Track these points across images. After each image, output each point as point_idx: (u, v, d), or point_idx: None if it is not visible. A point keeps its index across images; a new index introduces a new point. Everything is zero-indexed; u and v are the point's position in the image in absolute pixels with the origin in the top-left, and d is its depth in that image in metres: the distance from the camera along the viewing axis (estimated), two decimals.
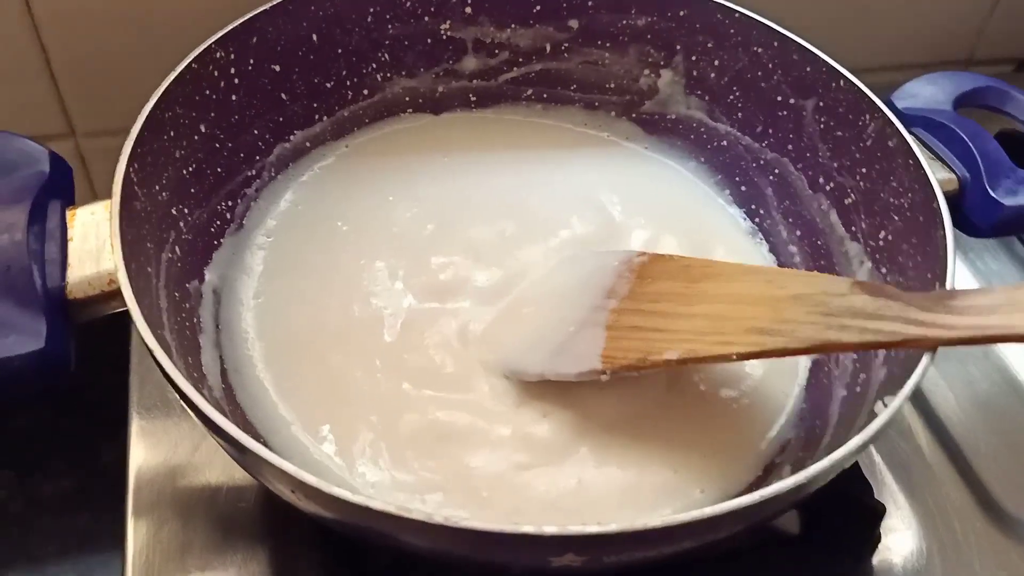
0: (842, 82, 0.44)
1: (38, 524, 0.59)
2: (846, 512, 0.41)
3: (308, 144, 0.49)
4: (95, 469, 0.60)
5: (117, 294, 0.34)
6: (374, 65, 0.50)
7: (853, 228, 0.44)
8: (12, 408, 0.58)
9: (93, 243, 0.36)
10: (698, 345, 0.34)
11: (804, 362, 0.43)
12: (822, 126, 0.46)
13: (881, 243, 0.42)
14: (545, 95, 0.53)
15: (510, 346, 0.41)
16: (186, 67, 0.41)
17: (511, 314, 0.42)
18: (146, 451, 0.44)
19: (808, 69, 0.46)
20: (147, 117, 0.38)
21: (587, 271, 0.41)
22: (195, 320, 0.40)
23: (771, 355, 0.33)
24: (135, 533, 0.41)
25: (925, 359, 0.32)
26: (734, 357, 0.34)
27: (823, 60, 0.45)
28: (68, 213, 0.37)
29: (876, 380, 0.37)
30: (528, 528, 0.26)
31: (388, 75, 0.50)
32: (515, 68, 0.52)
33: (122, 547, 0.41)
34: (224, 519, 0.42)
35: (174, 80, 0.40)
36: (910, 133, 0.42)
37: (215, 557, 0.40)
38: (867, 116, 0.43)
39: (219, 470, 0.43)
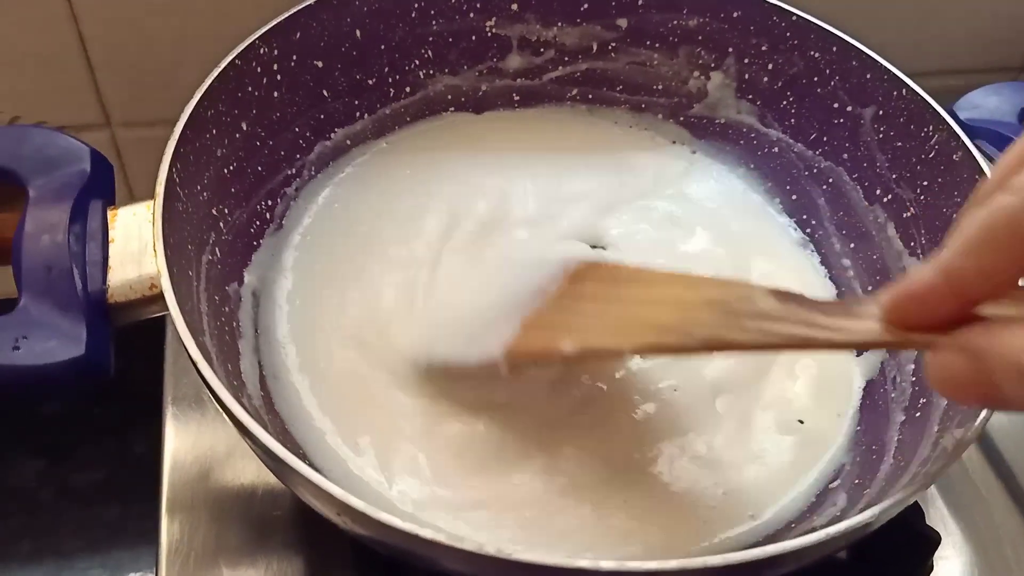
0: (904, 91, 0.43)
1: (67, 515, 0.59)
2: (897, 539, 0.39)
3: (348, 142, 0.48)
4: (126, 460, 0.60)
5: (158, 298, 0.33)
6: (417, 62, 0.48)
7: (912, 243, 0.42)
8: (41, 401, 0.58)
9: (135, 245, 0.35)
10: (594, 338, 0.34)
11: (858, 382, 0.41)
12: (881, 135, 0.44)
13: None
14: (590, 95, 0.51)
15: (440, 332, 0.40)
16: (229, 63, 0.40)
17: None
18: (181, 449, 0.44)
19: (868, 76, 0.44)
20: (190, 115, 0.37)
21: (532, 268, 0.40)
22: (234, 324, 0.39)
23: (664, 351, 0.33)
24: (168, 534, 0.41)
25: None
26: (625, 350, 0.34)
27: (884, 67, 0.43)
28: (109, 213, 0.36)
29: (938, 406, 0.36)
30: (584, 563, 0.25)
31: (431, 72, 0.49)
32: (560, 67, 0.50)
33: (156, 546, 0.41)
34: (258, 524, 0.41)
35: (217, 76, 0.39)
36: (974, 145, 0.40)
37: (249, 563, 0.40)
38: (930, 127, 0.42)
39: (254, 473, 0.42)
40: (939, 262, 0.24)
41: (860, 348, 0.30)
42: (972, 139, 0.41)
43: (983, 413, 0.31)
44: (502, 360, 0.36)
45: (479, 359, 0.37)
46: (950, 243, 0.23)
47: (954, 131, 0.40)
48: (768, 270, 0.45)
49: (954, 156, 0.40)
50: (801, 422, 0.39)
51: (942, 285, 0.23)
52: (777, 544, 0.26)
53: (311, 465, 0.31)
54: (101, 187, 0.37)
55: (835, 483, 0.37)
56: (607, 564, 0.25)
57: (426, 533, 0.26)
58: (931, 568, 0.40)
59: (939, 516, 0.43)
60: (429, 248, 0.44)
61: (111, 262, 0.35)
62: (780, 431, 0.39)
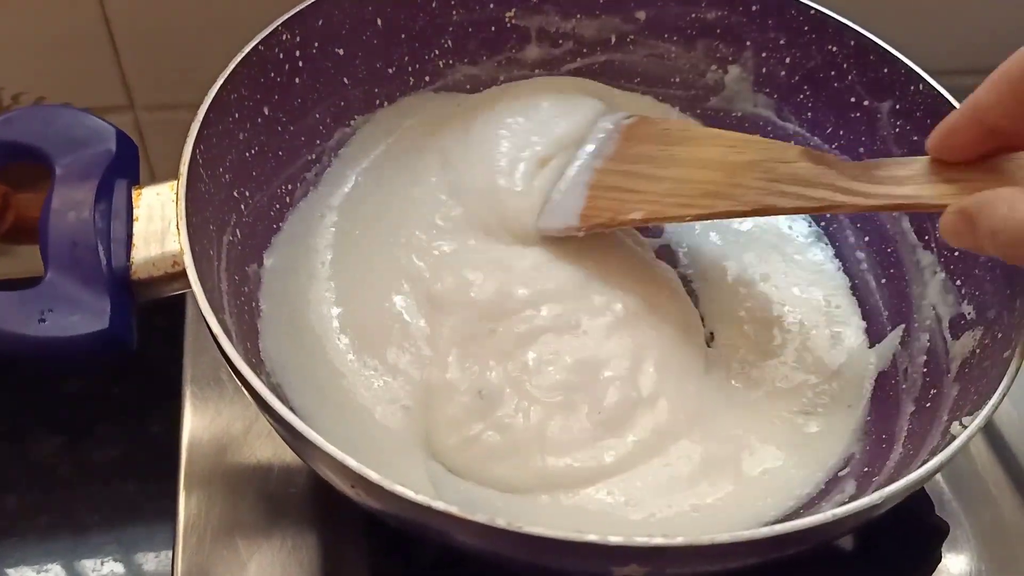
0: (922, 85, 0.43)
1: (85, 491, 0.60)
2: (906, 529, 0.40)
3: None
4: (144, 438, 0.60)
5: (181, 276, 0.34)
6: (436, 51, 0.49)
7: (926, 237, 0.42)
8: (65, 373, 0.59)
9: (158, 224, 0.36)
10: (661, 207, 0.39)
11: (870, 373, 0.41)
12: (897, 129, 0.44)
13: (956, 254, 0.40)
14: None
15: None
16: (253, 48, 0.40)
17: None
18: (198, 427, 0.44)
19: (885, 70, 0.44)
20: (213, 98, 0.38)
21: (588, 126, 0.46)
22: (253, 305, 0.39)
23: (720, 216, 0.38)
24: (185, 510, 0.42)
25: (1006, 380, 0.31)
26: (688, 218, 0.38)
27: (902, 62, 0.43)
28: (134, 192, 0.37)
29: (948, 396, 0.36)
30: (592, 537, 0.26)
31: (450, 62, 0.49)
32: (578, 59, 0.51)
33: (173, 522, 0.42)
34: (274, 501, 0.42)
35: (240, 61, 0.40)
36: None
37: (264, 539, 0.40)
38: None
39: (270, 450, 0.43)
40: (969, 98, 0.31)
41: (881, 211, 0.40)
42: None
43: (992, 401, 0.31)
44: (582, 231, 0.41)
45: (562, 228, 0.41)
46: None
47: None
48: (781, 264, 0.46)
49: None
50: (810, 412, 0.40)
51: (968, 114, 0.31)
52: (784, 524, 0.27)
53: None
54: (126, 167, 0.37)
55: (844, 471, 0.38)
56: (615, 538, 0.26)
57: (439, 505, 0.26)
58: (939, 558, 0.40)
59: (948, 508, 0.43)
60: (454, 236, 0.44)
61: (135, 240, 0.36)
62: (793, 418, 0.39)
